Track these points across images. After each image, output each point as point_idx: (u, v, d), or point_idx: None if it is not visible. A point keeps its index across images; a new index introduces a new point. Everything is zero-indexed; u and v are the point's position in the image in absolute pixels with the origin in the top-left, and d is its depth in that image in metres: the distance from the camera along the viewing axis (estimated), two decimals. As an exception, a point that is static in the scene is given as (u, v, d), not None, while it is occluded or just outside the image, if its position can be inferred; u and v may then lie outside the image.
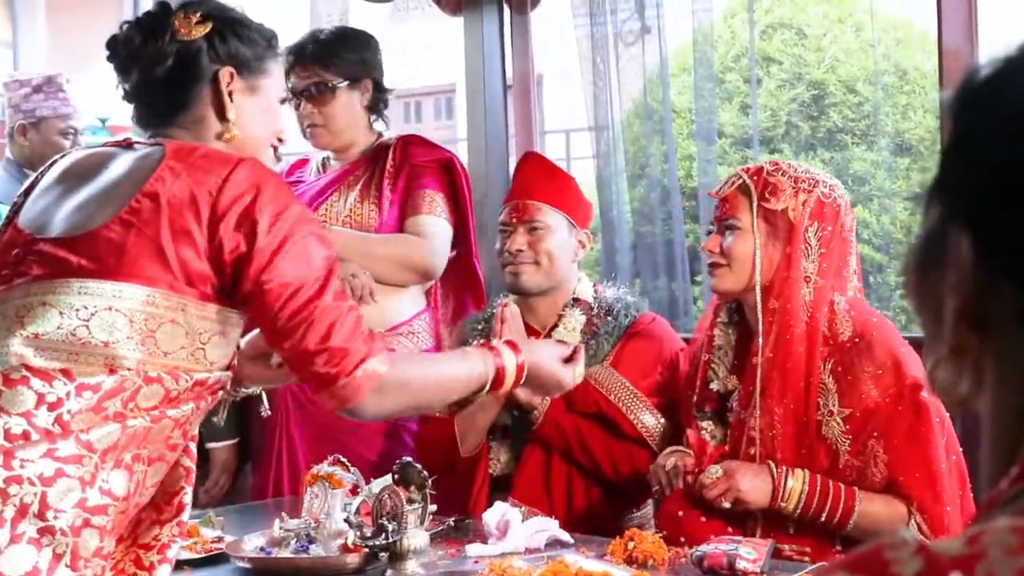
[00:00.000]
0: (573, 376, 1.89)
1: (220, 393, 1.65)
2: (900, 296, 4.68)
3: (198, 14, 1.68)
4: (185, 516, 1.66)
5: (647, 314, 2.55)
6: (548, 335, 2.49)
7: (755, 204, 2.12)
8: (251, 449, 2.91)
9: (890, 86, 4.97)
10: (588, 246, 2.57)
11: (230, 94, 1.68)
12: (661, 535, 2.02)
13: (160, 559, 1.62)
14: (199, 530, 2.23)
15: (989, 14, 2.75)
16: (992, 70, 0.63)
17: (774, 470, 2.06)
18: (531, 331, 2.49)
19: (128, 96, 1.72)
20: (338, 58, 2.83)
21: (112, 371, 1.51)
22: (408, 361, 1.89)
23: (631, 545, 1.96)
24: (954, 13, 2.65)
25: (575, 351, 1.91)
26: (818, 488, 2.04)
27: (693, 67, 3.86)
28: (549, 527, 2.13)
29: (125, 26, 1.69)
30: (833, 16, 5.36)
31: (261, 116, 1.73)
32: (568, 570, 1.83)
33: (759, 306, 2.13)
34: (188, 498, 1.66)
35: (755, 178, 2.15)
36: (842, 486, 2.04)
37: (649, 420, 2.38)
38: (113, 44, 1.70)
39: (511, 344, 1.83)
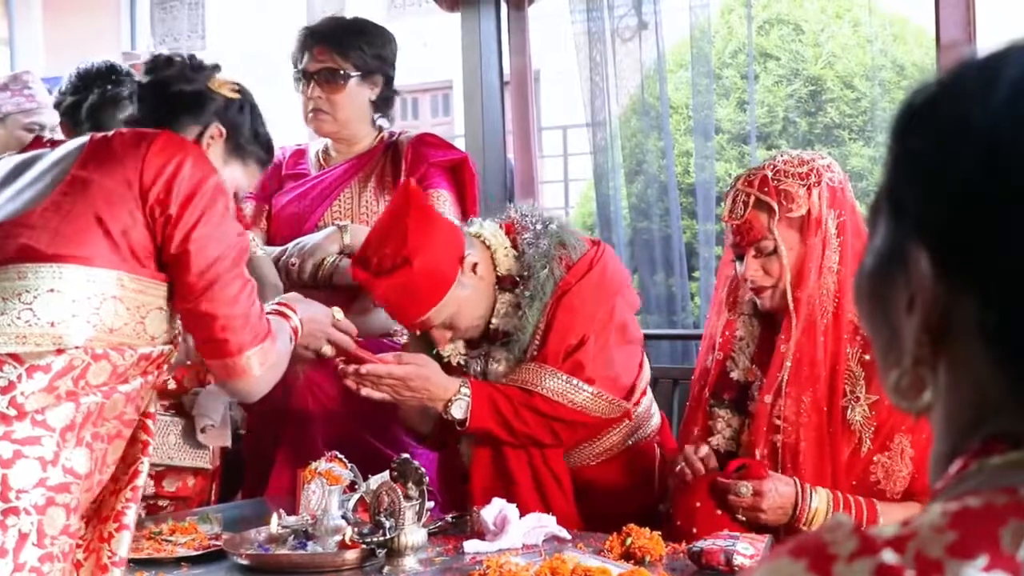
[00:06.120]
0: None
1: (165, 367, 1.73)
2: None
3: (237, 86, 1.92)
4: (139, 481, 1.70)
5: (582, 260, 2.31)
6: (488, 323, 2.36)
7: (776, 219, 2.10)
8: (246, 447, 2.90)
9: (888, 82, 4.97)
10: (479, 264, 2.31)
11: (208, 145, 1.86)
12: (664, 529, 2.02)
13: (117, 527, 1.65)
14: (197, 527, 2.23)
15: (987, 9, 2.75)
16: (936, 89, 0.64)
17: (799, 492, 2.04)
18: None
19: (136, 94, 1.89)
20: (357, 49, 2.83)
21: (60, 351, 1.56)
22: (274, 345, 1.88)
23: (628, 541, 1.96)
24: (952, 8, 2.65)
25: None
26: (841, 508, 2.03)
27: (690, 63, 3.86)
28: (547, 523, 2.14)
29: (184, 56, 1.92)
30: (830, 11, 5.36)
31: None
32: (565, 566, 1.83)
33: (789, 296, 2.12)
34: (144, 467, 1.71)
35: (764, 191, 2.11)
36: (863, 502, 2.04)
37: (583, 398, 2.27)
38: (164, 55, 1.91)
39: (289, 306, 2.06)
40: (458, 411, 2.27)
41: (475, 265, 2.31)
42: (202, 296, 1.67)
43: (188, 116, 1.86)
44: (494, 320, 2.36)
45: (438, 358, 2.39)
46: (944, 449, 0.65)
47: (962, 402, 0.63)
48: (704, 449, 2.17)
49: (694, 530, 2.03)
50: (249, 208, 3.01)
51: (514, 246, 2.37)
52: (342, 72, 2.81)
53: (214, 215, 1.68)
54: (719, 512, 2.07)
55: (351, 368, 2.27)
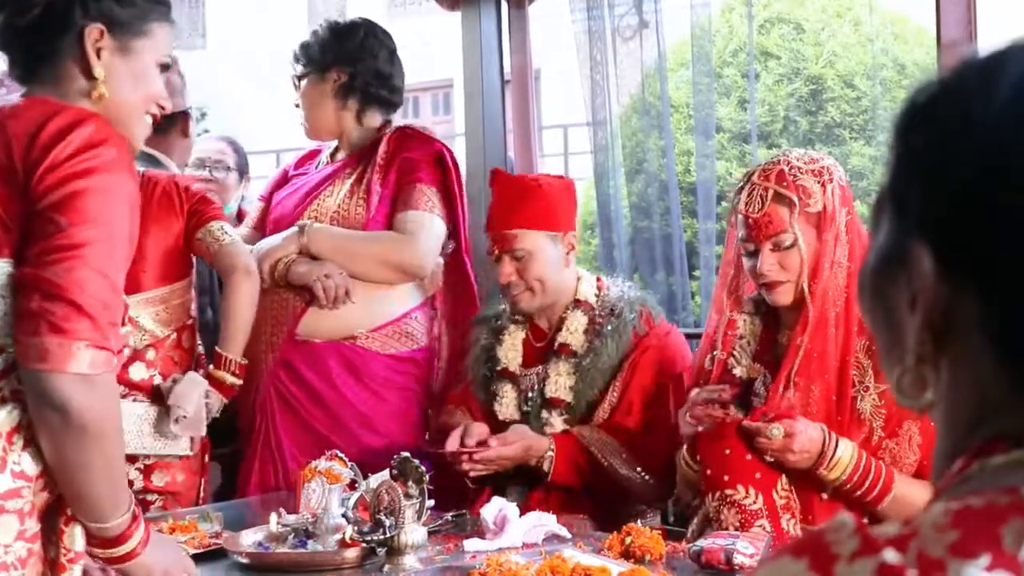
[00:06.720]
0: None
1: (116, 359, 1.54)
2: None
3: None
4: None
5: (663, 324, 2.57)
6: (553, 336, 2.57)
7: (797, 212, 2.10)
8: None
9: (888, 80, 4.97)
10: (577, 247, 2.59)
11: (98, 52, 1.61)
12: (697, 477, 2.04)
13: (64, 520, 1.58)
14: (197, 525, 2.23)
15: (987, 8, 2.75)
16: (938, 88, 0.65)
17: (827, 438, 2.03)
18: (538, 331, 2.62)
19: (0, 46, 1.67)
20: (309, 50, 2.88)
21: (0, 351, 1.50)
22: (111, 399, 1.54)
23: (628, 540, 1.96)
24: (952, 7, 2.65)
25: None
26: (862, 464, 2.03)
27: (691, 62, 3.85)
28: (546, 522, 2.14)
29: None
30: (831, 10, 5.36)
31: (133, 79, 1.65)
32: (565, 565, 1.83)
33: (806, 290, 2.12)
34: None
35: (783, 184, 2.11)
36: (883, 465, 2.05)
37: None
38: None
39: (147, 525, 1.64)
40: (546, 464, 2.48)
41: (571, 250, 2.56)
42: (62, 255, 1.44)
43: (59, 38, 1.60)
44: (563, 333, 2.55)
45: (495, 362, 2.61)
46: (946, 447, 0.65)
47: (964, 401, 0.63)
48: (703, 395, 2.19)
49: (725, 477, 2.04)
50: (254, 210, 3.04)
51: (598, 291, 2.60)
52: (296, 75, 2.90)
53: (101, 180, 1.47)
54: (749, 457, 2.05)
55: (464, 458, 2.43)
